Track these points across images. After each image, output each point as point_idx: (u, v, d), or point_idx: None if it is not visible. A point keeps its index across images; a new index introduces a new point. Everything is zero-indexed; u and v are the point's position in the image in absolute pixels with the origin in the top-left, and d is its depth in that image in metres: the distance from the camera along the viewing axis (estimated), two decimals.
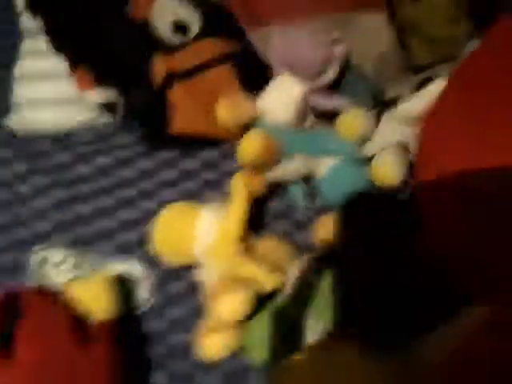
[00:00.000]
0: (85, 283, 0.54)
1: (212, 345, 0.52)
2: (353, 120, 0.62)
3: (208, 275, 0.55)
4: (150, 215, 0.58)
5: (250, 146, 0.58)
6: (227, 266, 0.53)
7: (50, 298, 0.52)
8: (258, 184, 0.61)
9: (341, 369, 0.45)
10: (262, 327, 0.52)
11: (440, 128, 0.54)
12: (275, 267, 0.54)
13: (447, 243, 0.52)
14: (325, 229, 0.60)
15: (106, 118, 0.68)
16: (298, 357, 0.48)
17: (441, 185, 0.51)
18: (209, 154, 0.67)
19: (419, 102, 0.59)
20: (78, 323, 0.51)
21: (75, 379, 0.48)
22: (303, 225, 0.63)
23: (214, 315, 0.51)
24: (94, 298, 0.52)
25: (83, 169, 0.66)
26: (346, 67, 0.65)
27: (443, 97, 0.56)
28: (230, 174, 0.62)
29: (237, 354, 0.54)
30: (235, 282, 0.51)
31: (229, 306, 0.49)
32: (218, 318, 0.50)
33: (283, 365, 0.49)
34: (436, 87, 0.57)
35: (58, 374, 0.48)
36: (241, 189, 0.57)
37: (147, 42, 0.65)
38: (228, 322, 0.50)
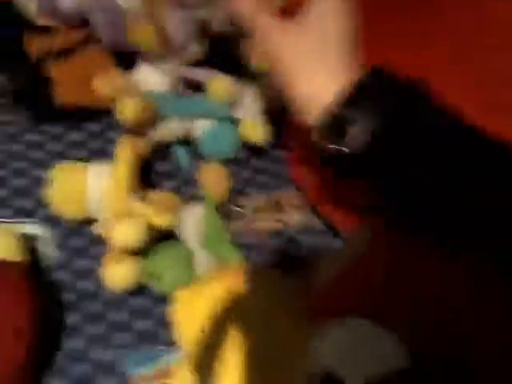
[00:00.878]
0: None
1: (115, 273, 0.58)
2: (221, 84, 0.71)
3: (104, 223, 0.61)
4: (42, 183, 0.63)
5: (126, 108, 0.64)
6: (120, 207, 0.60)
7: None
8: (142, 146, 0.68)
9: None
10: (165, 258, 0.60)
11: None
12: (166, 210, 0.62)
13: None
14: (208, 176, 0.69)
15: None
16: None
17: None
18: (93, 125, 0.72)
19: None
20: None
21: None
22: (189, 181, 0.71)
23: (111, 244, 0.57)
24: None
25: None
26: None
27: None
28: (114, 142, 0.68)
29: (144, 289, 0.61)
30: (128, 216, 0.58)
31: (122, 232, 0.56)
32: (115, 246, 0.56)
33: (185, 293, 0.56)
34: None
35: None
36: (125, 147, 0.64)
37: (19, 21, 0.69)
38: (123, 247, 0.56)
